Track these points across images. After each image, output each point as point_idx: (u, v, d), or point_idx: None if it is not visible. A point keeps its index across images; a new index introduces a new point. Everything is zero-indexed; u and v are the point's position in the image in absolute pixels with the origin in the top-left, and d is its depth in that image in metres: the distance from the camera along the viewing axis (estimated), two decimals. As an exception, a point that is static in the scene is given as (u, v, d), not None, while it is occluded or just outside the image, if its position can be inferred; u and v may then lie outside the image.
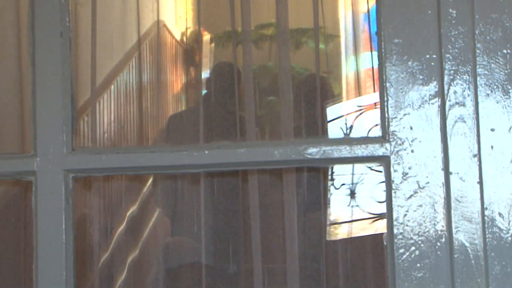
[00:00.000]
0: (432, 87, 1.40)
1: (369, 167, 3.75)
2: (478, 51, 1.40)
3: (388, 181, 1.40)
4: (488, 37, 1.40)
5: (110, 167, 1.44)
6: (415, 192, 1.39)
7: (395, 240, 1.39)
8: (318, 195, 3.63)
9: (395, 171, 1.40)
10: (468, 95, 1.40)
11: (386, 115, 1.41)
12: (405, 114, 1.41)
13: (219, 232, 3.66)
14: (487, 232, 1.38)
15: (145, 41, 5.92)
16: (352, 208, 3.89)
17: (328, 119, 3.89)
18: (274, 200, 3.44)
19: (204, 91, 3.98)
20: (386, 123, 1.41)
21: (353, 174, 3.86)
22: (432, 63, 1.41)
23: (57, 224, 1.42)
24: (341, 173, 3.88)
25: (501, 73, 1.39)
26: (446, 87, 1.40)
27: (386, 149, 1.40)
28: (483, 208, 1.38)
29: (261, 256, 3.25)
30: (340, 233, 3.85)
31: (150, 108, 5.44)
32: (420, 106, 1.40)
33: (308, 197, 3.59)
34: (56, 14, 1.45)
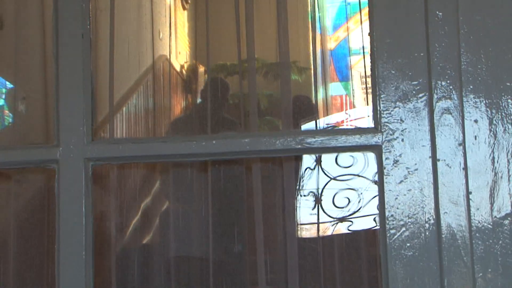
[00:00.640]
0: (420, 82, 1.54)
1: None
2: (462, 49, 1.53)
3: (380, 168, 1.53)
4: (471, 37, 1.54)
5: (127, 156, 1.57)
6: (405, 178, 1.52)
7: (387, 222, 1.51)
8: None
9: (386, 158, 1.52)
10: (454, 90, 1.53)
11: (378, 108, 1.54)
12: (395, 107, 1.54)
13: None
14: (472, 215, 1.50)
15: (151, 72, 6.45)
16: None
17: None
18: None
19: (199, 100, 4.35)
20: (378, 115, 1.54)
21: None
22: (420, 60, 1.54)
23: (78, 208, 1.55)
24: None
25: (484, 69, 1.52)
26: (433, 82, 1.53)
27: (378, 138, 1.53)
28: (468, 192, 1.50)
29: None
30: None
31: (156, 128, 5.78)
32: (409, 99, 1.53)
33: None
34: (78, 18, 1.59)
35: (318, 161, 4.26)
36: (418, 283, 1.49)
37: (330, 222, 4.43)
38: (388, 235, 1.51)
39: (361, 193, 4.47)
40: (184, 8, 8.62)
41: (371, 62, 1.56)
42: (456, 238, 1.50)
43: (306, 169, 4.44)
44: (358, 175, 4.47)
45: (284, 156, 2.89)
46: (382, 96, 1.54)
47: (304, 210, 4.29)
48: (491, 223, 1.49)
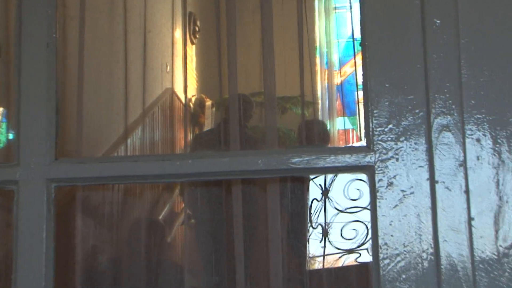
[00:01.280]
0: (417, 96, 1.39)
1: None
2: (463, 60, 1.39)
3: (373, 191, 1.38)
4: (473, 47, 1.39)
5: (93, 177, 1.43)
6: (400, 202, 1.37)
7: (380, 251, 1.36)
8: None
9: (379, 180, 1.38)
10: (453, 105, 1.38)
11: (371, 125, 1.39)
12: (389, 124, 1.39)
13: None
14: (474, 243, 1.34)
15: (157, 104, 6.61)
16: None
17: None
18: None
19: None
20: (371, 133, 1.39)
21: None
22: (417, 73, 1.40)
23: (38, 234, 1.40)
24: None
25: (486, 82, 1.38)
26: (431, 97, 1.39)
27: (371, 158, 1.39)
28: (469, 218, 1.35)
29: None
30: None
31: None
32: (404, 115, 1.39)
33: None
34: (43, 26, 1.46)
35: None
36: (414, 319, 1.34)
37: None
38: (381, 265, 1.36)
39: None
40: (192, 43, 8.59)
41: (362, 74, 1.42)
42: (457, 269, 1.34)
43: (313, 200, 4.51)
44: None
45: (269, 177, 2.74)
46: (374, 111, 1.40)
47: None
48: (496, 253, 1.34)
